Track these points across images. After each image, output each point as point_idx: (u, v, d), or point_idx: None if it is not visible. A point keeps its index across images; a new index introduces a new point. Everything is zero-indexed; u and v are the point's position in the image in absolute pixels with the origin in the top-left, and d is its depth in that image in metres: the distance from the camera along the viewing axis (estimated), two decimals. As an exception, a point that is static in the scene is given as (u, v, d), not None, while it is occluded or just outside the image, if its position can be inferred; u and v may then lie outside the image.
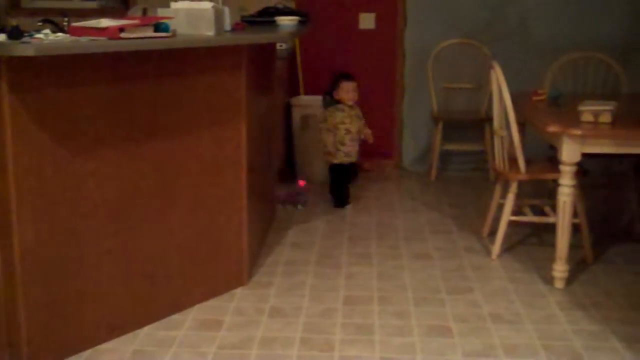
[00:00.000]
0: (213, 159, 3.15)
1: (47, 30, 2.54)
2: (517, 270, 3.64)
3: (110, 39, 2.50)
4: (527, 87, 4.22)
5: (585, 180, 3.83)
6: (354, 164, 4.81)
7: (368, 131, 4.75)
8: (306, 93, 5.58)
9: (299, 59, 5.55)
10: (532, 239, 4.08)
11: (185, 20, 2.90)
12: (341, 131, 4.61)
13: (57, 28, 4.41)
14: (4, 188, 2.47)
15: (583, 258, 3.75)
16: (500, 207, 3.82)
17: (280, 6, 4.77)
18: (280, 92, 5.07)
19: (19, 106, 2.42)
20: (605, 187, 5.02)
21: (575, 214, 3.52)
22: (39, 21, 4.60)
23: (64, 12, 4.94)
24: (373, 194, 5.00)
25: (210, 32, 2.88)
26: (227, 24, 3.19)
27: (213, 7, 2.90)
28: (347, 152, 4.66)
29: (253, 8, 4.89)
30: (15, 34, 2.44)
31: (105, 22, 2.57)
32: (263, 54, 3.78)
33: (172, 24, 2.81)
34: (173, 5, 2.94)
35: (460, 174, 5.56)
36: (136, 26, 2.60)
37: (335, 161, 4.69)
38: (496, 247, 3.79)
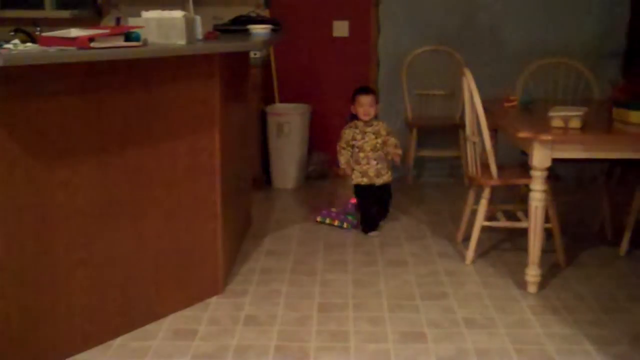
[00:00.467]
0: (187, 168, 3.15)
1: (16, 41, 2.53)
2: (490, 275, 3.67)
3: (80, 48, 2.50)
4: (499, 94, 4.26)
5: (558, 185, 3.88)
6: (383, 186, 4.33)
7: (395, 151, 4.28)
8: (281, 101, 5.59)
9: (273, 67, 5.56)
10: (506, 244, 4.12)
11: (156, 30, 2.90)
12: (354, 149, 4.30)
13: (30, 38, 4.40)
14: (-26, 199, 2.45)
15: (556, 262, 3.79)
16: (474, 212, 3.85)
17: (253, 15, 4.80)
18: (255, 100, 5.08)
19: (-12, 117, 2.40)
20: (577, 192, 5.08)
21: (547, 219, 3.56)
22: (11, 31, 4.59)
23: (36, 22, 4.92)
24: (348, 200, 5.01)
25: (181, 41, 2.88)
26: (199, 33, 3.20)
27: (184, 16, 2.90)
28: (363, 172, 4.28)
29: (227, 17, 4.91)
30: (-16, 44, 2.43)
31: (75, 32, 2.56)
32: (236, 63, 3.78)
33: (143, 34, 2.81)
34: (144, 14, 2.93)
35: (435, 179, 5.59)
36: (106, 36, 2.60)
37: (353, 182, 4.35)
38: (470, 253, 3.82)
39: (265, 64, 5.41)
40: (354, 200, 4.46)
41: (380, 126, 4.31)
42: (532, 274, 3.43)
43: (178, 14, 2.91)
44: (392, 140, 4.30)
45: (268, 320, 3.16)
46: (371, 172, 4.27)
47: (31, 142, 2.55)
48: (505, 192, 4.38)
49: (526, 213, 3.49)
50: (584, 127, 3.29)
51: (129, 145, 2.88)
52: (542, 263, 3.48)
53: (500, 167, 3.71)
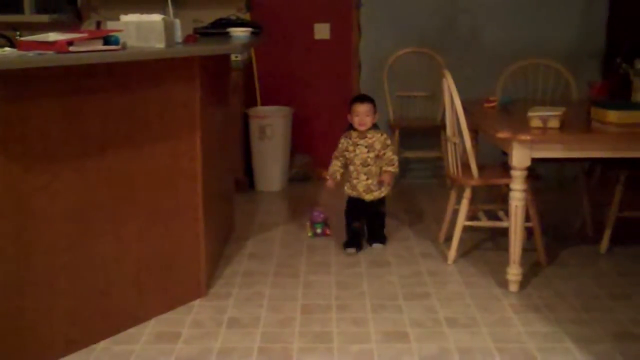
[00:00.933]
0: (168, 171, 3.15)
1: (-6, 45, 2.52)
2: (472, 274, 3.70)
3: (58, 52, 2.49)
4: (479, 95, 4.30)
5: (538, 184, 3.90)
6: (374, 202, 4.04)
7: (386, 168, 3.95)
8: (263, 103, 5.60)
9: (255, 69, 5.57)
10: (487, 244, 4.15)
11: (135, 33, 2.90)
12: (346, 160, 4.05)
13: (9, 42, 4.38)
14: (-47, 205, 2.44)
15: (537, 261, 3.82)
16: (456, 212, 3.87)
17: (233, 18, 4.80)
18: (237, 103, 5.08)
19: (-33, 122, 2.39)
20: (558, 191, 5.12)
21: (528, 218, 3.59)
22: (-10, 36, 4.57)
23: (15, 27, 4.90)
24: (331, 202, 5.01)
25: (160, 45, 2.88)
26: (178, 36, 3.20)
27: (163, 19, 2.90)
28: (352, 186, 4.02)
29: (207, 20, 4.91)
30: (-38, 49, 2.42)
31: (53, 36, 2.56)
32: (217, 66, 3.79)
33: (122, 37, 2.80)
34: (123, 18, 2.93)
35: (418, 181, 5.62)
36: (85, 39, 2.60)
37: (346, 193, 4.11)
38: (452, 253, 3.84)
39: (247, 66, 5.41)
40: (315, 212, 4.33)
41: (376, 139, 3.95)
42: (513, 272, 3.45)
43: (157, 17, 2.91)
44: (389, 155, 3.95)
45: (251, 323, 3.16)
46: (360, 187, 3.99)
47: (11, 146, 2.54)
48: (486, 192, 4.41)
49: (507, 212, 3.51)
50: (563, 127, 3.32)
51: (109, 149, 2.87)
52: (523, 262, 3.51)
53: (481, 167, 3.74)
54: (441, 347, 2.93)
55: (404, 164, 5.65)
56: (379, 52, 5.50)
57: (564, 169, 4.90)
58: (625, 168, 3.80)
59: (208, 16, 5.01)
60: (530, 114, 3.37)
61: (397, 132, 5.34)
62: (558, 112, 3.33)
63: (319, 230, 4.28)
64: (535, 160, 3.31)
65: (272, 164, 5.35)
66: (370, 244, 4.08)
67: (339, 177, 4.06)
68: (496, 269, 3.72)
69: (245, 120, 5.31)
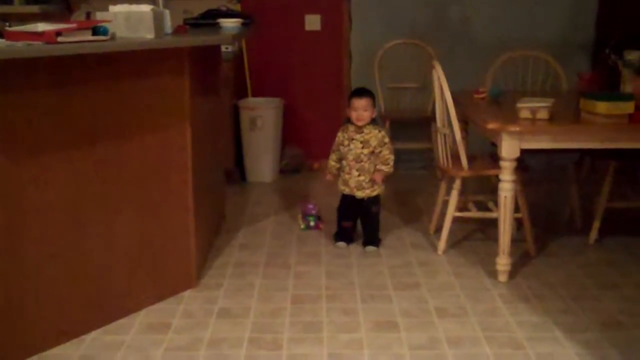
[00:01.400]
0: (158, 162, 3.15)
1: (-17, 36, 2.52)
2: (462, 265, 3.71)
3: (47, 43, 2.49)
4: (470, 86, 4.31)
5: (528, 175, 3.93)
6: (366, 200, 3.92)
7: (379, 167, 3.86)
8: (254, 95, 5.60)
9: (246, 61, 5.56)
10: (477, 234, 4.16)
11: (124, 24, 2.89)
12: (340, 155, 3.96)
13: (-1, 33, 4.35)
14: (-59, 195, 2.44)
15: (526, 251, 3.84)
16: (446, 203, 3.89)
17: (223, 8, 4.79)
18: (228, 94, 5.07)
19: (-45, 112, 2.39)
20: (547, 182, 5.14)
21: (517, 209, 3.61)
22: (-21, 26, 4.54)
23: (5, 17, 4.88)
24: (322, 193, 5.03)
25: (149, 35, 2.87)
26: (168, 27, 3.19)
27: (152, 10, 2.90)
28: (345, 181, 3.93)
29: (197, 11, 4.90)
30: (-50, 39, 2.41)
31: (42, 27, 2.55)
32: (207, 57, 3.78)
33: (111, 28, 2.80)
34: (112, 8, 2.92)
35: (409, 172, 5.62)
36: (73, 30, 2.59)
37: (339, 189, 4.01)
38: (442, 243, 3.86)
39: (238, 58, 5.41)
40: (309, 205, 4.31)
41: (373, 135, 3.83)
42: (503, 263, 3.47)
43: (146, 8, 2.90)
44: (385, 154, 3.85)
45: (242, 313, 3.17)
46: (352, 183, 3.89)
47: (0, 138, 2.53)
48: (477, 182, 4.43)
49: (497, 203, 3.52)
50: (552, 118, 3.33)
51: (98, 140, 2.87)
52: (513, 252, 3.53)
53: (470, 158, 3.75)
54: (431, 336, 2.95)
55: (395, 155, 5.65)
56: (369, 44, 5.50)
57: (553, 160, 4.92)
58: (614, 159, 3.82)
59: (198, 7, 5.00)
60: (519, 105, 3.38)
61: (387, 124, 5.34)
62: (547, 103, 3.34)
63: (312, 223, 4.26)
64: (525, 152, 3.33)
65: (262, 156, 5.35)
66: (364, 246, 3.96)
67: (335, 171, 4.00)
68: (486, 260, 3.74)
69: (236, 111, 5.30)
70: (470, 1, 5.48)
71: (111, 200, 2.97)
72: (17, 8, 5.36)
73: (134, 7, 2.91)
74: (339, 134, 3.95)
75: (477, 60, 5.21)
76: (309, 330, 3.01)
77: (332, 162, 3.99)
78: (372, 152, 3.85)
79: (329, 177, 4.04)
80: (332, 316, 3.14)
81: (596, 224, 3.97)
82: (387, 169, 3.88)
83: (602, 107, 3.34)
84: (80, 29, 2.63)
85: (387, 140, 3.88)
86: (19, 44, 2.48)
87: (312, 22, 5.59)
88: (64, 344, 2.89)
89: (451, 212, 3.79)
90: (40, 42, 2.49)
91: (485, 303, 3.26)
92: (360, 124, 3.84)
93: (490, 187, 4.22)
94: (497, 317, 3.12)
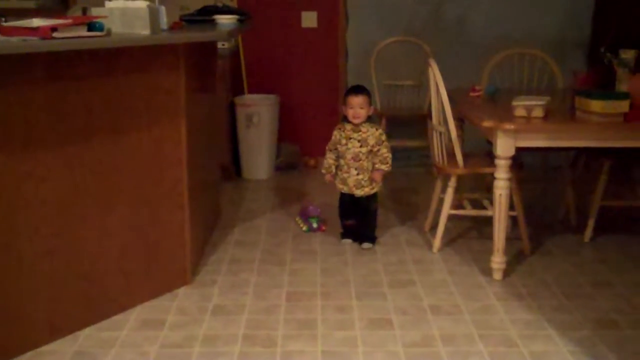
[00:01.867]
0: (153, 159, 3.14)
1: (-22, 31, 2.51)
2: (456, 263, 3.72)
3: (42, 38, 2.48)
4: (465, 84, 4.31)
5: (523, 174, 3.93)
6: (364, 198, 3.90)
7: (378, 166, 3.83)
8: (250, 92, 5.60)
9: (242, 57, 5.56)
10: (472, 232, 4.17)
11: (120, 20, 2.88)
12: (338, 154, 3.92)
13: (-6, 28, 4.33)
14: (-64, 191, 2.43)
15: (521, 250, 3.84)
16: (441, 201, 3.89)
17: (220, 5, 4.77)
18: (224, 91, 5.07)
19: (-50, 107, 2.38)
20: (542, 180, 5.15)
21: (512, 207, 3.61)
22: (-25, 22, 4.52)
23: (1, 12, 4.86)
24: (317, 191, 5.03)
25: (145, 31, 2.87)
26: (164, 23, 3.19)
27: (148, 6, 2.89)
28: (343, 180, 3.89)
29: (193, 7, 4.88)
30: (-56, 34, 2.41)
31: (37, 22, 2.54)
32: (203, 53, 3.78)
33: (107, 23, 2.80)
34: (107, 4, 2.92)
35: (404, 169, 5.63)
36: (69, 25, 2.58)
37: (337, 188, 3.99)
38: (437, 241, 3.86)
39: (234, 54, 5.41)
40: (311, 207, 4.28)
41: (371, 133, 3.81)
42: (497, 261, 3.48)
43: (142, 3, 2.90)
44: (383, 152, 3.82)
45: (236, 310, 3.18)
46: (350, 182, 3.86)
47: (-6, 133, 2.54)
48: (473, 180, 4.43)
49: (492, 201, 3.53)
50: (547, 116, 3.34)
51: (93, 136, 2.87)
52: (507, 250, 3.53)
53: (466, 156, 3.75)
54: (425, 334, 2.96)
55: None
56: (366, 41, 5.50)
57: (549, 159, 4.93)
58: (609, 157, 3.83)
59: (195, 3, 4.99)
60: (514, 103, 3.38)
61: (383, 121, 5.35)
62: (542, 101, 3.35)
63: (315, 225, 4.20)
64: (521, 150, 3.33)
65: (258, 152, 5.35)
66: (360, 243, 3.97)
67: (334, 170, 3.95)
68: (480, 257, 3.74)
69: (232, 108, 5.30)
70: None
71: (106, 196, 2.97)
72: (13, 3, 5.34)
73: (130, 3, 2.91)
74: (335, 133, 3.91)
75: (473, 58, 5.21)
76: (304, 328, 3.01)
77: (330, 160, 3.94)
78: (370, 151, 3.83)
79: (328, 177, 3.98)
80: (327, 313, 3.14)
81: (591, 223, 3.98)
82: (386, 168, 3.86)
83: (597, 105, 3.34)
84: (75, 24, 2.63)
85: (384, 138, 3.85)
86: (14, 39, 2.48)
87: (309, 19, 5.59)
88: (58, 340, 2.88)
89: (446, 209, 3.79)
90: (35, 38, 2.49)
91: (479, 301, 3.26)
92: (357, 121, 3.81)
93: (486, 185, 4.24)
94: (491, 315, 3.12)
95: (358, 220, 4.02)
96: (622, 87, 3.71)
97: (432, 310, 3.17)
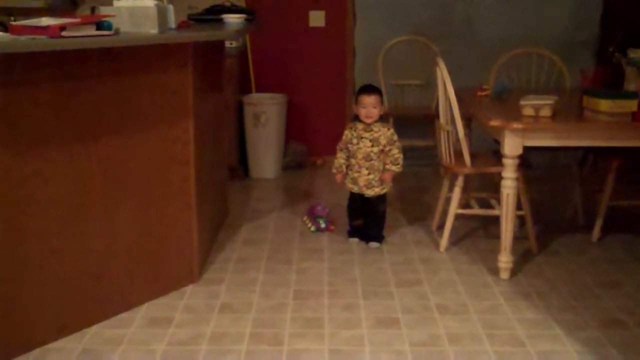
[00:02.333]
0: (160, 157, 3.15)
1: (-13, 29, 2.52)
2: (464, 262, 3.72)
3: (51, 37, 2.49)
4: (473, 83, 4.31)
5: (531, 173, 3.92)
6: (374, 198, 3.90)
7: (389, 167, 3.82)
8: (258, 91, 5.61)
9: (250, 56, 5.57)
10: (479, 232, 4.17)
11: (128, 19, 2.89)
12: (348, 153, 3.90)
13: (4, 27, 4.36)
14: (-55, 189, 2.45)
15: (528, 249, 3.84)
16: (449, 200, 3.89)
17: (227, 4, 4.79)
18: (232, 90, 5.08)
19: (-41, 106, 2.40)
20: (550, 180, 5.14)
21: (520, 206, 3.61)
22: (-16, 21, 4.54)
23: (10, 12, 4.88)
24: (325, 190, 5.03)
25: (153, 30, 2.88)
26: (172, 22, 3.19)
27: (156, 5, 2.90)
28: (353, 180, 3.88)
29: (201, 6, 4.91)
30: (-46, 33, 2.42)
31: (46, 21, 2.56)
32: (211, 52, 3.79)
33: (115, 22, 2.81)
34: (116, 3, 2.93)
35: (412, 169, 5.62)
36: (78, 24, 2.59)
37: (347, 187, 3.98)
38: (444, 240, 3.86)
39: (242, 54, 5.41)
40: (319, 207, 4.26)
41: (382, 133, 3.79)
42: (504, 260, 3.47)
43: (150, 2, 2.91)
44: (394, 153, 3.81)
45: (243, 308, 3.18)
46: (361, 182, 3.85)
47: (2, 132, 2.54)
48: (479, 180, 4.43)
49: (499, 201, 3.53)
50: (555, 116, 3.33)
51: (101, 135, 2.88)
52: (515, 250, 3.53)
53: (473, 156, 3.75)
54: (432, 333, 2.95)
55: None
56: (373, 40, 5.50)
57: (557, 158, 4.92)
58: (617, 157, 3.82)
59: (203, 2, 5.01)
60: (522, 102, 3.38)
61: (391, 121, 5.34)
62: (550, 100, 3.34)
63: (323, 225, 4.19)
64: (529, 149, 3.33)
65: (266, 152, 5.36)
66: (367, 242, 3.96)
67: (344, 169, 3.93)
68: (487, 257, 3.74)
69: (240, 107, 5.31)
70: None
71: (113, 195, 2.98)
72: (22, 2, 5.36)
73: (138, 2, 2.92)
74: (347, 132, 3.89)
75: (481, 58, 5.21)
76: (310, 326, 3.02)
77: (341, 160, 3.92)
78: (382, 151, 3.81)
79: (339, 177, 3.95)
80: (334, 312, 3.14)
81: (599, 222, 3.97)
82: (397, 169, 3.84)
83: (605, 105, 3.34)
84: (84, 23, 2.64)
85: (395, 138, 3.84)
86: (23, 38, 2.49)
87: (317, 18, 5.60)
88: (65, 337, 2.89)
89: (454, 209, 3.79)
90: (44, 37, 2.50)
91: (486, 300, 3.26)
92: (369, 121, 3.79)
93: (493, 185, 4.23)
94: (498, 315, 3.12)
95: (366, 220, 4.01)
96: (631, 86, 3.70)
97: (439, 310, 3.16)
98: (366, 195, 3.89)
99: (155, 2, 2.95)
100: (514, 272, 3.52)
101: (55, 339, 2.86)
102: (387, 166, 3.83)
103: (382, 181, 3.87)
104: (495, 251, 3.58)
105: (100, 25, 2.70)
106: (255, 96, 5.48)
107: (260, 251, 3.88)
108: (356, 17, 5.57)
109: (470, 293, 3.34)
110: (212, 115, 3.87)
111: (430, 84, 5.42)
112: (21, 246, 2.68)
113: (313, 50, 5.64)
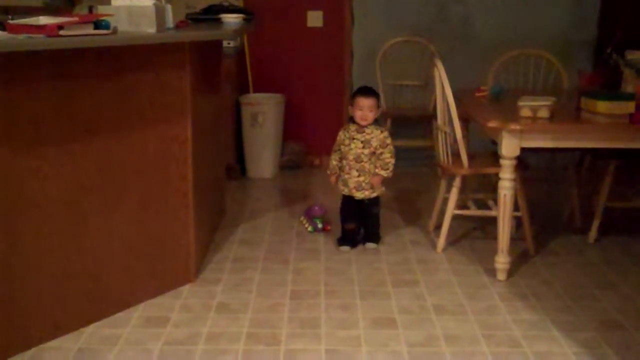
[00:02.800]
0: (158, 157, 3.15)
1: (-15, 28, 2.52)
2: (461, 262, 3.72)
3: (48, 36, 2.49)
4: (471, 84, 4.31)
5: (528, 174, 3.92)
6: (365, 201, 3.87)
7: (377, 170, 3.79)
8: (255, 91, 5.61)
9: (247, 56, 5.56)
10: (476, 232, 4.17)
11: (126, 18, 2.89)
12: (342, 154, 3.89)
13: (1, 26, 4.35)
14: (-58, 187, 2.44)
15: (525, 250, 3.84)
16: (446, 201, 3.89)
17: (225, 4, 4.79)
18: (229, 90, 5.08)
19: (-44, 104, 2.39)
20: (547, 181, 5.14)
21: (517, 207, 3.61)
22: (-19, 19, 4.53)
23: (7, 10, 4.87)
24: (322, 190, 5.03)
25: (151, 30, 2.88)
26: (170, 22, 3.19)
27: (154, 4, 2.90)
28: (344, 181, 3.86)
29: (200, 6, 4.90)
30: (-49, 31, 2.42)
31: (43, 20, 2.55)
32: (209, 52, 3.79)
33: (113, 22, 2.80)
34: (114, 2, 2.93)
35: (409, 169, 5.62)
36: (75, 23, 2.59)
37: (340, 189, 3.95)
38: (441, 241, 3.86)
39: (239, 53, 5.41)
40: (316, 207, 4.23)
41: (375, 136, 3.77)
42: (501, 261, 3.47)
43: (148, 2, 2.91)
44: (385, 157, 3.79)
45: (240, 308, 3.18)
46: (351, 183, 3.82)
47: (0, 130, 2.54)
48: (477, 181, 4.43)
49: (497, 201, 3.53)
50: (552, 117, 3.33)
51: (99, 134, 2.87)
52: (512, 251, 3.53)
53: (471, 156, 3.75)
54: (429, 333, 2.95)
55: (395, 153, 5.64)
56: (371, 41, 5.50)
57: (555, 159, 4.92)
58: (614, 158, 3.82)
59: (200, 2, 5.01)
60: (520, 103, 3.38)
61: (389, 121, 5.35)
62: (548, 102, 3.34)
63: (319, 225, 4.18)
64: (527, 150, 3.33)
65: (263, 151, 5.36)
66: (364, 243, 3.94)
67: (338, 171, 3.91)
68: (484, 258, 3.74)
69: (238, 107, 5.31)
70: (472, 0, 5.48)
71: (111, 194, 2.98)
72: (20, 1, 5.36)
73: (136, 2, 2.92)
74: (340, 133, 3.89)
75: (479, 58, 5.21)
76: (307, 326, 3.01)
77: (334, 162, 3.91)
78: (373, 153, 3.79)
79: (333, 179, 3.95)
80: (331, 312, 3.14)
81: (596, 223, 3.98)
82: (386, 174, 3.81)
83: (602, 106, 3.34)
84: (82, 22, 2.63)
85: (389, 141, 3.81)
86: (21, 36, 2.48)
87: (314, 18, 5.59)
88: (62, 336, 2.89)
89: (451, 209, 3.79)
90: (42, 35, 2.49)
91: (483, 301, 3.26)
92: (364, 123, 3.77)
93: (491, 186, 4.23)
94: (495, 315, 3.12)
95: (359, 223, 3.98)
96: (628, 88, 3.70)
97: (435, 310, 3.17)
98: (356, 198, 3.86)
99: (153, 1, 2.95)
100: (511, 273, 3.53)
101: (52, 338, 2.86)
102: (377, 170, 3.80)
103: (371, 184, 3.85)
104: (492, 252, 3.58)
105: (98, 24, 2.70)
106: (252, 96, 5.48)
107: (257, 251, 3.87)
108: (354, 17, 5.57)
109: (467, 294, 3.34)
110: (210, 114, 3.86)
111: (428, 85, 5.41)
112: (18, 245, 2.67)
113: (311, 51, 5.64)
